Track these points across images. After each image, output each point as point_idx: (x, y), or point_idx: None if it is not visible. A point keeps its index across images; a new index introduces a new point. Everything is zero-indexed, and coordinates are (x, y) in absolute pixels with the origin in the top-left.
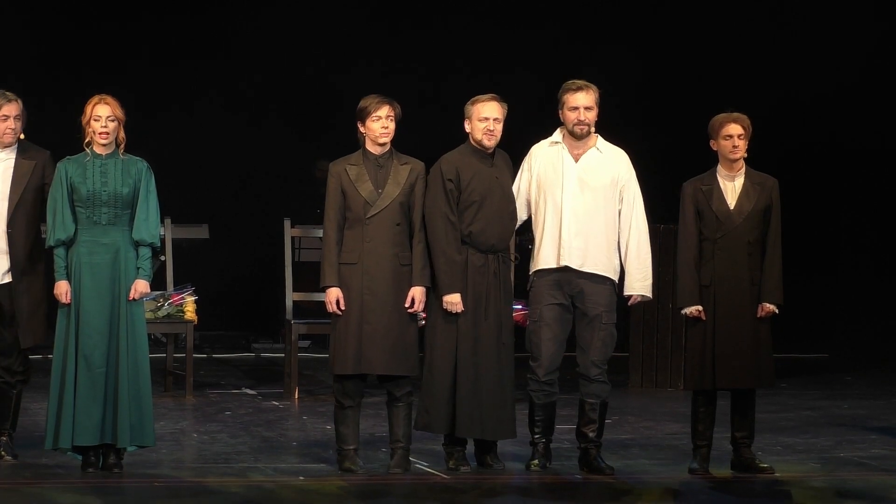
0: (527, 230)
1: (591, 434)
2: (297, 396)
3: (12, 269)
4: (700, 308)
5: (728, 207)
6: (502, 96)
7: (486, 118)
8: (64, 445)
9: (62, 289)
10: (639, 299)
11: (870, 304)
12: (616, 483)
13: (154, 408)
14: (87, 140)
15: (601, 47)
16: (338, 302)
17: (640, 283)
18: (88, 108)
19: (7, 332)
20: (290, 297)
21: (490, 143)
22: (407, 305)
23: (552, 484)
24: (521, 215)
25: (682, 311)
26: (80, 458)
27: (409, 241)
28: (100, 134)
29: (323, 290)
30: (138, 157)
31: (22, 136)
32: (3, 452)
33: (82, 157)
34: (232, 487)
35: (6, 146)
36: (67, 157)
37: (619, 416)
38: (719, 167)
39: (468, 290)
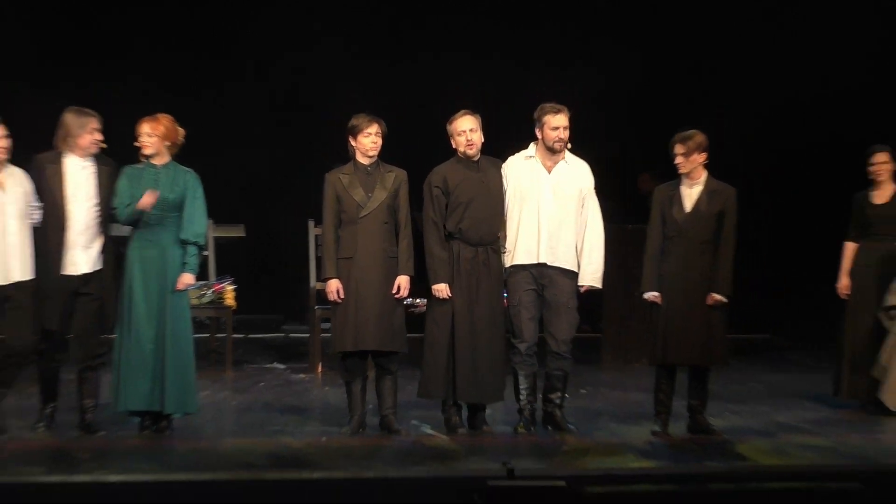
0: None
1: (556, 399)
2: (319, 370)
3: (104, 263)
4: (657, 294)
5: (683, 211)
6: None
7: (462, 131)
8: (121, 409)
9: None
10: (589, 288)
11: (808, 291)
12: (591, 443)
13: (198, 380)
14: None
15: (600, 47)
16: (337, 291)
17: (590, 276)
18: (138, 125)
19: (91, 319)
20: (314, 286)
21: (471, 151)
22: (394, 292)
23: (536, 444)
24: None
25: (644, 296)
26: (138, 420)
27: (395, 237)
28: (142, 147)
29: (324, 281)
30: (188, 168)
31: (104, 146)
32: (42, 426)
33: (140, 166)
34: (265, 447)
35: (88, 155)
36: (131, 164)
37: (593, 388)
38: (682, 176)
39: (461, 278)
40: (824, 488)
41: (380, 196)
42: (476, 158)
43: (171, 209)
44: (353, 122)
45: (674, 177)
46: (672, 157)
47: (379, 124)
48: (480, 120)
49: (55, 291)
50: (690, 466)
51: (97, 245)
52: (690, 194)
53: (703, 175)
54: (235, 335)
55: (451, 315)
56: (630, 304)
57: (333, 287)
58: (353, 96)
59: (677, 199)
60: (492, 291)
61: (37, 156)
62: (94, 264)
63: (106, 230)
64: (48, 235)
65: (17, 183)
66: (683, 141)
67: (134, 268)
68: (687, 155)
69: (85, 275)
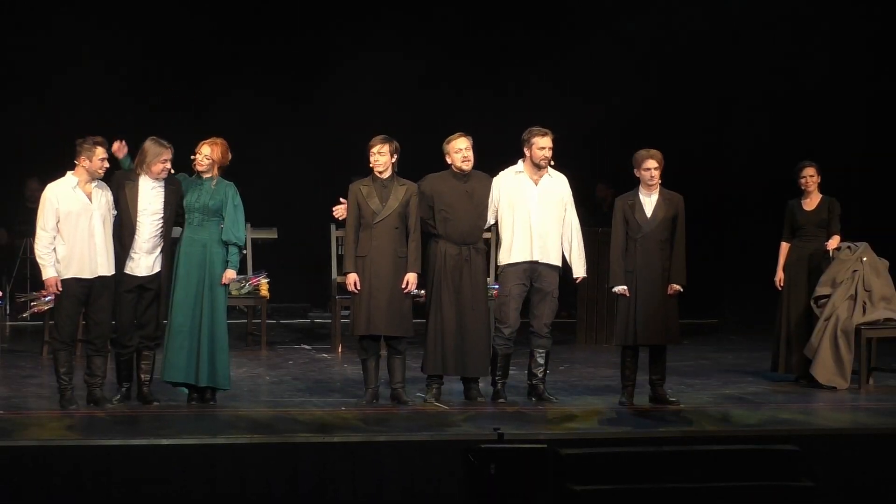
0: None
1: (539, 374)
2: (340, 351)
3: (162, 262)
4: (625, 287)
5: (645, 216)
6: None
7: (460, 149)
8: (164, 379)
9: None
10: (583, 278)
11: (749, 283)
12: (566, 410)
13: (236, 359)
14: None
15: (577, 90)
16: (355, 284)
17: (581, 268)
18: (199, 146)
19: (152, 308)
20: (335, 279)
21: (467, 167)
22: (403, 286)
23: (522, 412)
24: (489, 220)
25: (612, 290)
26: (185, 391)
27: (405, 239)
28: (196, 164)
29: (345, 275)
30: (230, 182)
31: (172, 171)
32: (118, 399)
33: (191, 178)
34: (293, 415)
35: (158, 178)
36: (186, 175)
37: (569, 365)
38: (640, 187)
39: (447, 273)
40: (765, 449)
41: (392, 205)
42: (467, 173)
43: (212, 214)
44: (371, 141)
45: (623, 187)
46: (643, 171)
47: (388, 144)
48: (472, 140)
49: (122, 286)
50: (651, 431)
51: (159, 250)
52: (650, 202)
53: (658, 185)
54: (269, 321)
55: (441, 304)
56: (600, 293)
57: (351, 280)
58: (374, 120)
59: (638, 206)
60: (474, 283)
61: (116, 172)
62: (156, 266)
63: (167, 239)
64: (121, 240)
65: (101, 194)
66: (655, 157)
67: (180, 262)
68: (659, 168)
69: (148, 274)
